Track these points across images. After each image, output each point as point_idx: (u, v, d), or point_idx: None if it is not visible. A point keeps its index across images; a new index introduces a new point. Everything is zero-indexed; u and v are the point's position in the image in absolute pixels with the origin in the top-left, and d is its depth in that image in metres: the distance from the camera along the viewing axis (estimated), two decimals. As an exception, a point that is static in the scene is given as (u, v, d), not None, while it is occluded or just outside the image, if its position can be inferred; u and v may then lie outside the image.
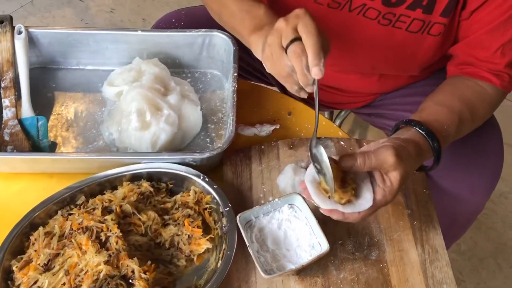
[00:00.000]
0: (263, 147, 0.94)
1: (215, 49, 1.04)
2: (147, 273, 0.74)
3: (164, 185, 0.87)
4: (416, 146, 0.74)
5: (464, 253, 1.56)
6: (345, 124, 1.80)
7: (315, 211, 0.85)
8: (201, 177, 0.85)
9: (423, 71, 0.99)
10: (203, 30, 1.02)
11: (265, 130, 0.98)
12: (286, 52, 0.69)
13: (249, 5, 0.82)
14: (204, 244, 0.80)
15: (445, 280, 0.79)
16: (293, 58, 0.68)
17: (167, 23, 1.12)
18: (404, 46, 0.90)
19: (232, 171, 0.91)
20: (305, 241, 0.78)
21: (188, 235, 0.81)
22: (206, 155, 0.85)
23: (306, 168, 0.89)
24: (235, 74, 0.96)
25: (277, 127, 0.99)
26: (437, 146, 0.76)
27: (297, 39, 0.68)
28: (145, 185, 0.85)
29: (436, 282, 0.79)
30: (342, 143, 0.95)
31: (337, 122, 1.46)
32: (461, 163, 0.96)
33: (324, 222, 0.84)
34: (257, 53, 0.76)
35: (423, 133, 0.76)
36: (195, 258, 0.81)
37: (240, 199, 0.87)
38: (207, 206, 0.84)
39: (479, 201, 0.99)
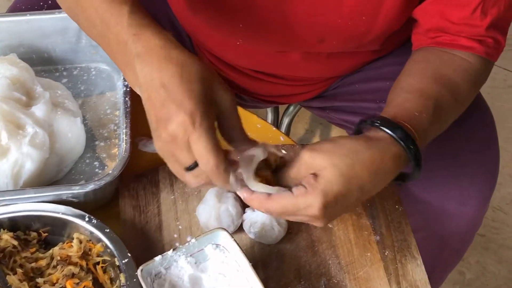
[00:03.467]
0: (175, 167, 0.95)
1: (99, 35, 1.04)
2: None
3: (35, 234, 0.85)
4: (365, 142, 0.74)
5: (470, 283, 1.62)
6: (300, 123, 1.84)
7: (248, 251, 0.85)
8: (87, 219, 0.84)
9: (385, 43, 1.02)
10: (79, 9, 1.01)
11: (178, 142, 0.98)
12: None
13: (108, 7, 0.75)
14: (99, 313, 0.80)
15: (432, 326, 0.82)
16: (201, 183, 0.73)
17: (28, 3, 1.11)
18: (358, 8, 0.92)
19: (133, 205, 0.91)
20: (238, 293, 0.79)
21: (75, 303, 0.80)
22: (91, 187, 0.85)
23: (233, 192, 0.90)
24: (128, 68, 0.96)
25: (194, 138, 0.99)
26: (402, 135, 0.75)
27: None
28: (6, 237, 0.83)
29: (420, 330, 0.81)
30: (284, 151, 0.96)
31: (286, 120, 1.48)
32: (444, 164, 1.00)
33: (264, 264, 0.85)
34: (136, 90, 0.76)
35: (377, 124, 0.76)
36: (89, 334, 0.80)
37: (145, 244, 0.87)
38: (99, 259, 0.83)
39: (473, 214, 1.03)
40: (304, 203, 0.72)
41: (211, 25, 1.03)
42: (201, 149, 0.69)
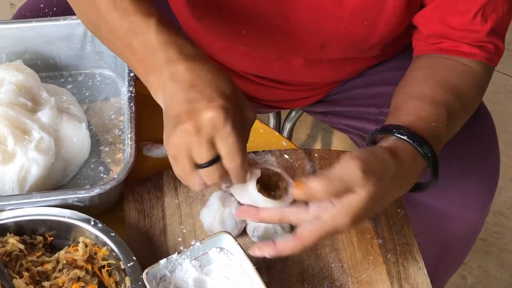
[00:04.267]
0: (179, 171, 0.95)
1: (103, 41, 1.05)
2: None
3: (41, 238, 0.86)
4: (394, 156, 0.74)
5: (472, 287, 1.62)
6: (302, 128, 1.84)
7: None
8: (92, 223, 0.85)
9: (385, 48, 1.03)
10: (84, 16, 1.03)
11: (181, 147, 0.99)
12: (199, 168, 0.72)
13: (135, 19, 0.76)
14: (104, 316, 0.80)
15: (434, 329, 0.82)
16: (210, 183, 0.72)
17: (33, 10, 1.12)
18: (359, 14, 0.93)
19: (137, 209, 0.91)
20: (242, 296, 0.80)
21: (81, 306, 0.80)
22: (96, 191, 0.85)
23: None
24: (132, 74, 0.97)
25: (198, 142, 1.00)
26: (429, 150, 0.76)
27: (215, 160, 0.70)
28: (12, 241, 0.83)
29: (422, 333, 0.82)
30: (286, 156, 0.97)
31: (288, 125, 1.49)
32: (444, 168, 0.99)
33: (268, 268, 0.86)
34: (158, 100, 0.76)
35: (405, 137, 0.76)
36: (94, 337, 0.81)
37: (150, 248, 0.87)
38: (104, 262, 0.84)
39: (474, 218, 1.04)
40: (334, 227, 0.72)
41: (214, 32, 1.04)
42: (230, 145, 0.68)
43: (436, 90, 0.86)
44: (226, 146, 0.69)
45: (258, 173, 0.75)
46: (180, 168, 0.72)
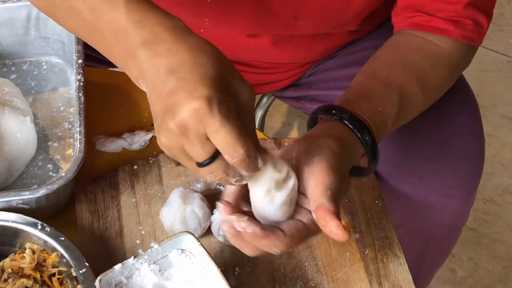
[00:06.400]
0: (136, 167, 0.94)
1: (49, 25, 1.03)
2: None
3: (-17, 245, 0.85)
4: (341, 145, 0.75)
5: (462, 281, 1.64)
6: (277, 115, 1.84)
7: (217, 255, 0.85)
8: (40, 227, 0.83)
9: (362, 24, 1.02)
10: (27, -3, 1.01)
11: (139, 140, 0.98)
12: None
13: None
14: (56, 329, 0.79)
15: (417, 329, 0.82)
16: (216, 180, 0.68)
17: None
18: None
19: (90, 210, 0.90)
20: (206, 302, 0.79)
21: (29, 320, 0.79)
22: (43, 191, 0.84)
23: (200, 192, 0.90)
24: (80, 60, 0.96)
25: (157, 134, 0.99)
26: (369, 137, 0.77)
27: (215, 155, 0.65)
28: (-50, 250, 0.82)
29: (405, 334, 0.82)
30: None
31: (259, 113, 1.48)
32: (424, 155, 1.00)
33: (235, 269, 0.85)
34: (142, 88, 0.70)
35: (346, 122, 0.77)
36: None
37: (105, 252, 0.86)
38: (54, 270, 0.83)
39: (459, 206, 1.03)
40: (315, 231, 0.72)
41: (175, 0, 1.00)
42: (226, 137, 0.62)
43: (393, 71, 0.87)
44: (220, 140, 0.63)
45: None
46: (185, 165, 0.68)
